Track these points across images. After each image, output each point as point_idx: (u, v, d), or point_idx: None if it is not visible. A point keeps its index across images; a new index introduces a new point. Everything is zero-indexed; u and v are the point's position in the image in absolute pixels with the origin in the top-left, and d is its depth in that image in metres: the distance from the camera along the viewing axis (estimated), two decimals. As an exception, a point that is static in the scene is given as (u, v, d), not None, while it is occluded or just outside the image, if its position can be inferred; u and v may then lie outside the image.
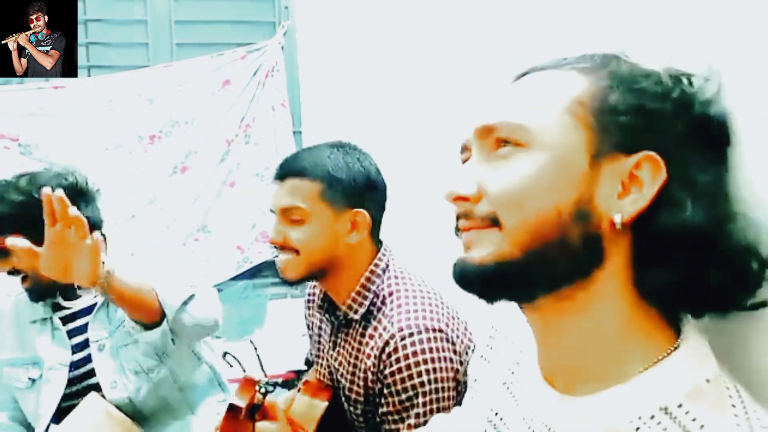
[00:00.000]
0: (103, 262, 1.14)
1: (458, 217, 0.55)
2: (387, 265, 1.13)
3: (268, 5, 2.60)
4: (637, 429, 0.47)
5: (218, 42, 2.56)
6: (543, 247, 0.49)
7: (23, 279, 1.33)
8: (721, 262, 0.47)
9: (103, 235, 1.47)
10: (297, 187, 1.07)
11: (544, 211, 0.49)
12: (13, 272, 1.35)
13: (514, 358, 0.65)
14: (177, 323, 1.30)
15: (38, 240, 1.11)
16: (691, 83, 0.51)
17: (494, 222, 0.51)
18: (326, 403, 1.10)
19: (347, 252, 1.10)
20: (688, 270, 0.47)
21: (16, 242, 1.10)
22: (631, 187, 0.49)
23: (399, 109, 1.97)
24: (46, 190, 1.05)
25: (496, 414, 0.64)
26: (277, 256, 1.12)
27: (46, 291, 1.37)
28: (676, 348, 0.49)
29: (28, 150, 2.37)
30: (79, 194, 1.38)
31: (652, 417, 0.46)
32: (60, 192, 1.05)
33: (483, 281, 0.52)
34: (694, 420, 0.45)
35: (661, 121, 0.49)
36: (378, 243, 1.16)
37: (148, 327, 1.30)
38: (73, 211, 1.06)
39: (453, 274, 0.54)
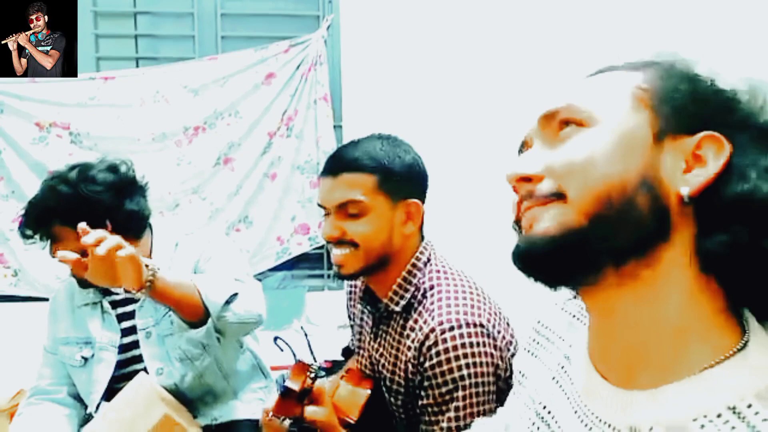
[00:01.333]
0: (147, 265, 1.16)
1: (519, 202, 0.54)
2: (428, 259, 1.13)
3: (311, -1, 2.63)
4: (702, 427, 0.45)
5: (263, 35, 2.59)
6: (610, 214, 0.48)
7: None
8: None
9: (149, 225, 1.51)
10: (353, 181, 1.06)
11: (609, 180, 0.49)
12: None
13: (563, 353, 0.65)
14: (221, 321, 1.31)
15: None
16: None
17: (558, 196, 0.50)
18: (369, 392, 1.12)
19: (401, 243, 1.10)
20: (753, 242, 0.46)
21: (65, 255, 1.15)
22: (694, 165, 0.49)
23: (440, 103, 1.98)
24: (80, 225, 1.10)
25: (545, 407, 0.64)
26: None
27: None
28: (744, 346, 0.48)
29: (79, 138, 2.44)
30: (126, 186, 1.41)
31: (719, 415, 0.45)
32: (81, 224, 1.10)
33: (547, 255, 0.50)
34: (765, 420, 0.43)
35: (720, 111, 0.50)
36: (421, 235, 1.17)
37: (194, 325, 1.32)
38: (92, 235, 1.09)
39: (513, 255, 0.53)
